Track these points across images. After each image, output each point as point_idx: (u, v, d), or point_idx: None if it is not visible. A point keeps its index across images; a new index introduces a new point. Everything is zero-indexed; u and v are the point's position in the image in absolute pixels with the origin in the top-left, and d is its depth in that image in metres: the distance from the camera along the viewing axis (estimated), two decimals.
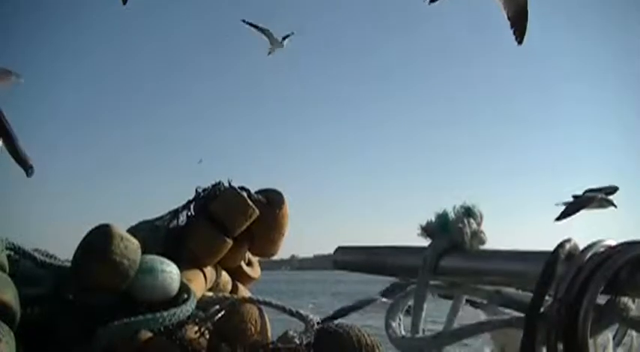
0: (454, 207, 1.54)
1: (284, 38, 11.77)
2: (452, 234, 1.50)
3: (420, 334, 1.47)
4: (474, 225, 1.51)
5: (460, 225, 1.49)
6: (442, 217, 1.53)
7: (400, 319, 1.60)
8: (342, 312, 2.56)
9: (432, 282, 1.52)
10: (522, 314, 1.27)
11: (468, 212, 1.53)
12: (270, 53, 12.06)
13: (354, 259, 1.80)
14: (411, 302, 1.54)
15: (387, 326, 1.58)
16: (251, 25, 11.69)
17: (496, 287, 1.46)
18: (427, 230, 1.54)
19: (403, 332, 1.55)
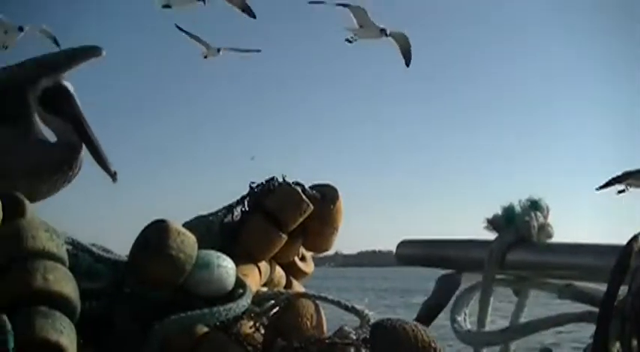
0: (520, 201, 1.53)
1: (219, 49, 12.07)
2: (518, 227, 1.48)
3: (487, 328, 1.46)
4: (541, 219, 1.49)
5: (527, 219, 1.47)
6: (508, 210, 1.52)
7: (466, 313, 1.59)
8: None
9: (498, 276, 1.51)
10: (594, 309, 1.24)
11: (535, 205, 1.51)
12: (206, 57, 12.29)
13: (417, 252, 1.79)
14: (476, 297, 1.53)
15: (453, 320, 1.57)
16: (184, 31, 11.98)
17: (564, 280, 1.44)
18: (493, 223, 1.53)
19: (469, 326, 1.54)
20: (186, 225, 2.70)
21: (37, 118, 2.94)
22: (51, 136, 2.94)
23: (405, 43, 11.74)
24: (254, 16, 10.65)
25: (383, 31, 11.48)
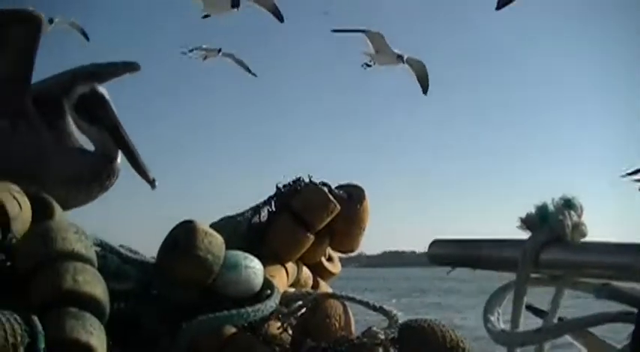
0: (553, 200, 1.52)
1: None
2: (552, 226, 1.47)
3: (521, 328, 1.45)
4: (575, 217, 1.47)
5: (561, 217, 1.46)
6: (542, 209, 1.50)
7: (499, 313, 1.58)
8: None
9: (532, 275, 1.50)
10: (632, 309, 1.23)
11: (568, 204, 1.50)
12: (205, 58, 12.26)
13: (449, 252, 1.78)
14: (509, 296, 1.52)
15: (486, 320, 1.55)
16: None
17: (600, 280, 1.43)
18: (526, 222, 1.52)
19: (502, 326, 1.53)
20: (213, 225, 2.70)
21: (73, 127, 2.98)
22: (86, 143, 2.97)
23: (422, 71, 11.67)
24: (282, 20, 10.64)
25: (400, 58, 11.41)
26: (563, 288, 1.55)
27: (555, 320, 1.54)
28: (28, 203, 2.36)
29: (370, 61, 11.74)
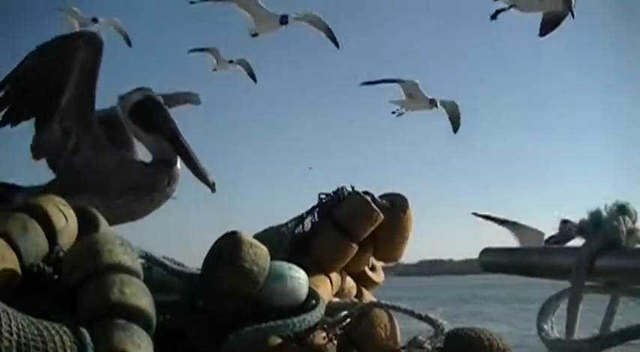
0: (606, 205, 1.49)
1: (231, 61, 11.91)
2: (607, 232, 1.44)
3: (576, 336, 1.43)
4: (629, 223, 1.45)
5: (615, 223, 1.44)
6: (595, 215, 1.48)
7: (553, 321, 1.56)
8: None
9: (586, 283, 1.47)
10: None
11: (622, 209, 1.47)
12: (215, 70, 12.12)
13: (501, 260, 1.76)
14: (564, 304, 1.50)
15: (540, 328, 1.53)
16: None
17: None
18: (580, 229, 1.50)
19: (557, 335, 1.51)
20: (257, 236, 2.70)
21: (132, 138, 3.04)
22: (141, 148, 3.03)
23: (455, 111, 11.59)
24: (337, 45, 10.49)
25: (433, 102, 11.33)
26: (619, 296, 1.52)
27: (612, 329, 1.52)
28: (74, 216, 2.38)
29: (401, 109, 11.63)
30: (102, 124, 3.11)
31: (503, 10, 8.28)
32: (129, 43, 11.60)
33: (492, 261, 1.76)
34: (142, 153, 3.16)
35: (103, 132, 3.13)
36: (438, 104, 11.38)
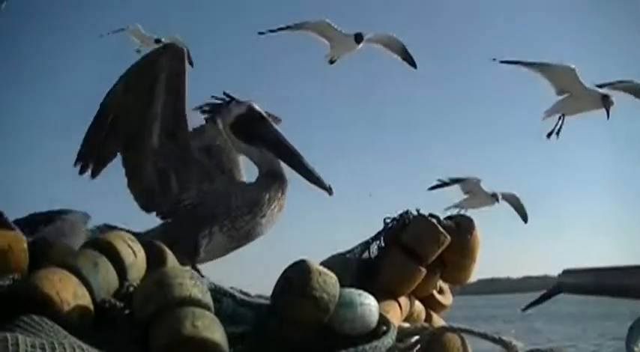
0: None
1: None
2: None
3: None
4: None
5: None
6: None
7: None
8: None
9: None
10: None
11: None
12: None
13: (582, 281, 1.72)
14: None
15: (629, 350, 1.49)
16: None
17: None
18: None
19: None
20: (323, 263, 2.69)
21: (235, 156, 3.08)
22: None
23: (517, 203, 11.40)
24: (415, 66, 10.18)
25: (494, 197, 11.08)
26: None
27: None
28: (142, 251, 2.39)
29: (460, 210, 11.33)
30: (200, 151, 3.13)
31: (558, 128, 8.21)
32: (191, 63, 11.41)
33: (573, 282, 1.72)
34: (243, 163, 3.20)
35: (206, 157, 3.18)
36: (499, 197, 11.11)
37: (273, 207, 3.04)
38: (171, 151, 3.07)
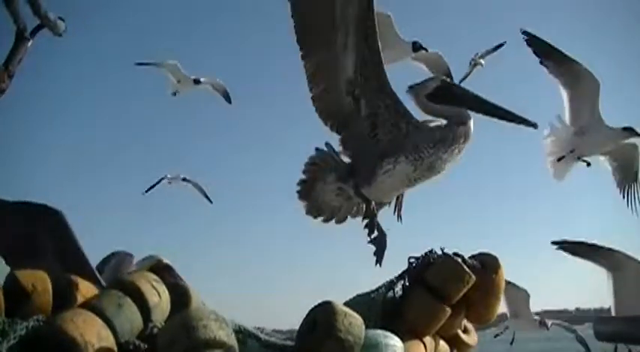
0: None
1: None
2: None
3: None
4: None
5: None
6: None
7: None
8: None
9: None
10: None
11: None
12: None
13: (615, 329, 1.69)
14: None
15: None
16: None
17: None
18: None
19: None
20: (348, 303, 2.68)
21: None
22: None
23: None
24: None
25: (543, 324, 10.58)
26: None
27: None
28: (167, 292, 2.38)
29: (501, 333, 11.00)
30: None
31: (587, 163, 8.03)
32: (229, 101, 11.20)
33: (607, 331, 1.69)
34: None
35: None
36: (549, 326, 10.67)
37: (454, 147, 3.38)
38: (369, 82, 3.55)
